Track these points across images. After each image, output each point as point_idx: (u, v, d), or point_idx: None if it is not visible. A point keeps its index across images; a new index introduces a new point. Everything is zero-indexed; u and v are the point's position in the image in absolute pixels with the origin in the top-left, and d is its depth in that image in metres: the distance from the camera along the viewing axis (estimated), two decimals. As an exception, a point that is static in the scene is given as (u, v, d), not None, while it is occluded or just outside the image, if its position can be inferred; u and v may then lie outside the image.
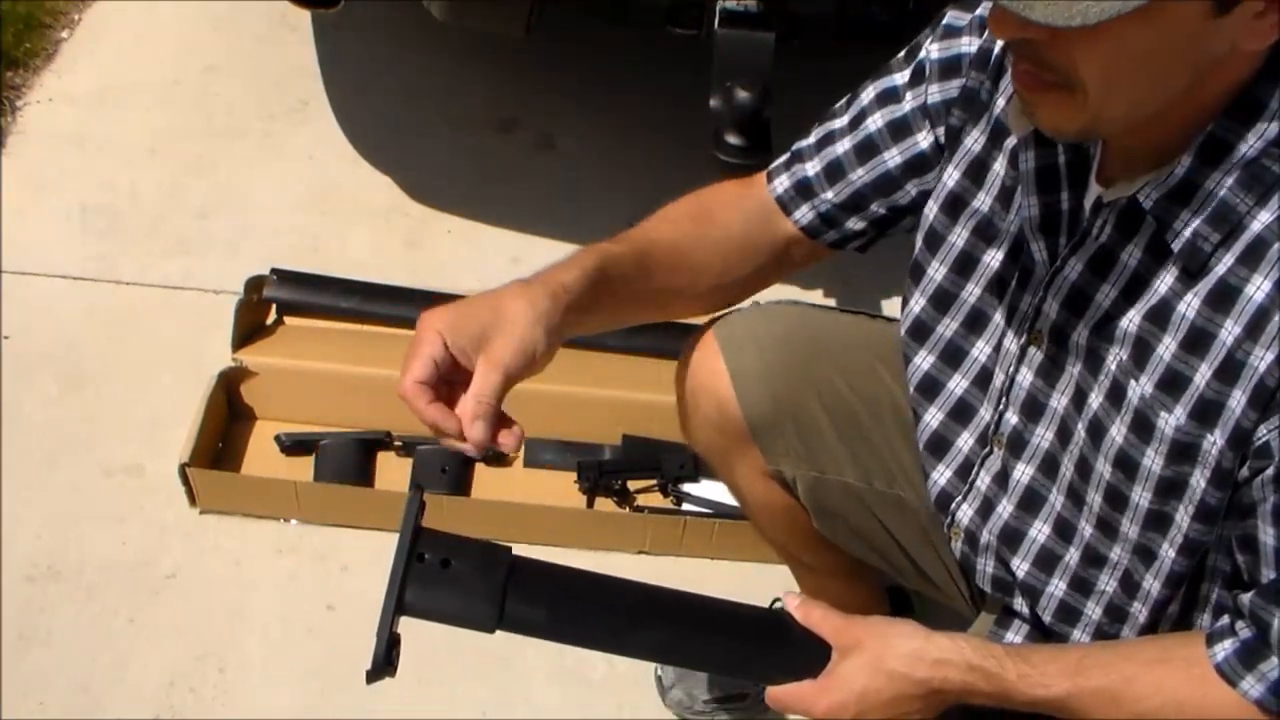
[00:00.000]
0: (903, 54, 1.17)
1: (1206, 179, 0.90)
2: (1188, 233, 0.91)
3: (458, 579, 1.02)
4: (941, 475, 1.18)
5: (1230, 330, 0.90)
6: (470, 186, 2.33)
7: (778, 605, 1.14)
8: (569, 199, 2.33)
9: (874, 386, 1.26)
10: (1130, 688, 0.99)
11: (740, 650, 1.10)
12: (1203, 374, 0.92)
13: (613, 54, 2.53)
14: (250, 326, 1.89)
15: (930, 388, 1.17)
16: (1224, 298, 0.91)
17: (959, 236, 1.12)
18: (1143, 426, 0.97)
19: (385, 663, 1.00)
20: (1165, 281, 0.94)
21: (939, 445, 1.18)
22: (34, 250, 2.12)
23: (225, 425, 1.87)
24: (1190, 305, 0.93)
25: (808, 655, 1.06)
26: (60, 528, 1.76)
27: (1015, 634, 1.18)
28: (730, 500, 1.77)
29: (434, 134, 2.43)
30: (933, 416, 1.17)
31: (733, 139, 1.75)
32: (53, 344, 1.99)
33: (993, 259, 1.10)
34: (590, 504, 1.84)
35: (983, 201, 1.10)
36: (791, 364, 1.24)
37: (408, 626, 1.78)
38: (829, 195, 1.19)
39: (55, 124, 2.37)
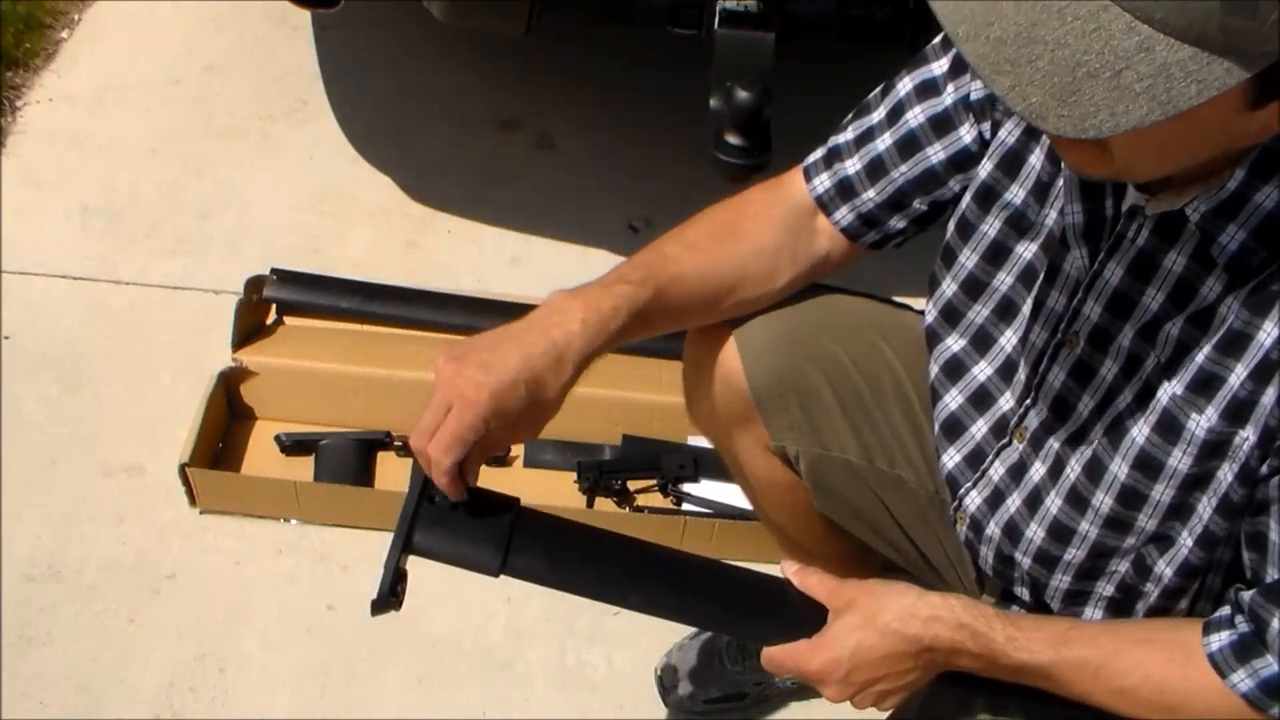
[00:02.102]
0: (938, 40, 1.14)
1: (1257, 192, 0.89)
2: (1234, 246, 0.91)
3: (465, 523, 1.04)
4: (951, 459, 1.18)
5: (1269, 332, 0.90)
6: (470, 186, 2.33)
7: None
8: (569, 199, 2.33)
9: (877, 365, 1.26)
10: (1113, 662, 1.00)
11: (737, 610, 1.12)
12: (1238, 374, 0.92)
13: (613, 54, 2.53)
14: (250, 326, 1.89)
15: (955, 369, 1.17)
16: (1265, 302, 0.90)
17: (991, 226, 1.12)
18: (1169, 428, 0.96)
19: (390, 595, 1.02)
20: (1211, 288, 0.94)
21: (954, 428, 1.17)
22: (34, 250, 2.12)
23: (225, 425, 1.87)
24: (1231, 309, 0.92)
25: (804, 617, 1.07)
26: (60, 528, 1.76)
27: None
28: (730, 500, 1.78)
29: (434, 134, 2.43)
30: (952, 399, 1.17)
31: (733, 139, 1.75)
32: (53, 344, 1.99)
33: (1026, 250, 1.10)
34: (590, 504, 1.84)
35: (1015, 194, 1.09)
36: (797, 339, 1.23)
37: (411, 627, 1.78)
38: (870, 194, 1.18)
39: (55, 124, 2.37)
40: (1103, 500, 1.02)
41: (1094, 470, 1.03)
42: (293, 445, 1.85)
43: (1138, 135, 0.78)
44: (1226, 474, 0.95)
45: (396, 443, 1.86)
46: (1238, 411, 0.92)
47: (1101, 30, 0.74)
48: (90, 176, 2.28)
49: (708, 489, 1.85)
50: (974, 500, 1.16)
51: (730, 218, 1.21)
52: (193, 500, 1.79)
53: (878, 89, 1.19)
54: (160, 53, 2.53)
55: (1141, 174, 0.90)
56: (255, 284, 1.92)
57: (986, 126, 1.11)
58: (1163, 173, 0.90)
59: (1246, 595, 0.96)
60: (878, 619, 1.04)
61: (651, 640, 1.66)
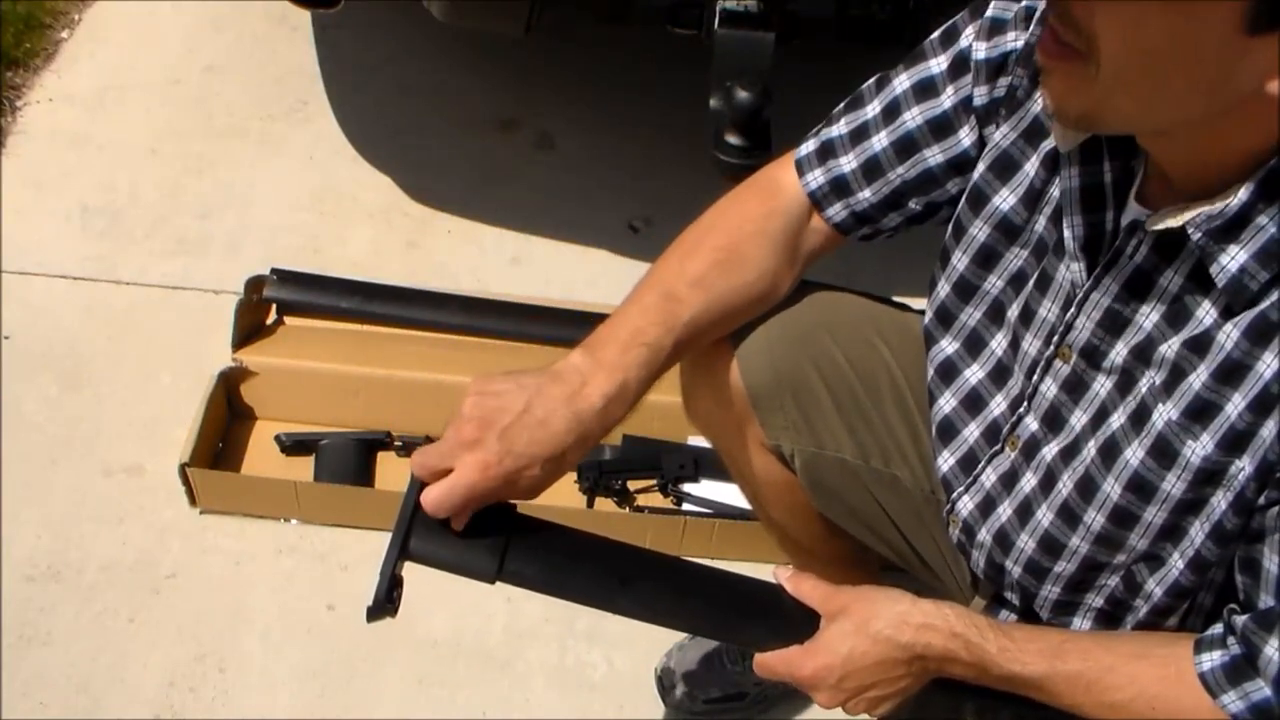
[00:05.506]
0: (937, 36, 1.13)
1: (1261, 214, 0.88)
2: (1234, 268, 0.89)
3: (461, 529, 1.04)
4: (946, 462, 1.18)
5: (1269, 364, 0.89)
6: (470, 186, 2.33)
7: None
8: (569, 199, 2.33)
9: (874, 364, 1.25)
10: (1106, 677, 0.99)
11: (731, 615, 1.12)
12: (1235, 404, 0.91)
13: (613, 54, 2.53)
14: (250, 326, 1.89)
15: (949, 372, 1.16)
16: (1265, 333, 0.89)
17: (980, 230, 1.11)
18: (1163, 453, 0.95)
19: (386, 601, 1.02)
20: (1208, 310, 0.92)
21: (947, 431, 1.17)
22: (34, 250, 2.12)
23: (225, 425, 1.87)
24: (1229, 336, 0.91)
25: (797, 623, 1.07)
26: (60, 528, 1.76)
27: (1009, 618, 1.18)
28: (730, 500, 1.78)
29: (434, 134, 2.43)
30: (946, 402, 1.17)
31: (733, 139, 1.75)
32: (53, 344, 1.99)
33: (1017, 256, 1.09)
34: (590, 504, 1.84)
35: (1005, 199, 1.08)
36: (794, 338, 1.23)
37: (411, 627, 1.78)
38: (866, 194, 1.16)
39: (55, 124, 2.37)
40: (1094, 518, 1.02)
41: (1086, 488, 1.02)
42: (293, 445, 1.85)
43: (1132, 32, 0.78)
44: (1220, 501, 0.94)
45: (397, 443, 1.86)
46: (1235, 442, 0.92)
47: None
48: (90, 176, 2.28)
49: (708, 489, 1.85)
50: (966, 505, 1.16)
51: (730, 241, 1.18)
52: (193, 500, 1.79)
53: (871, 81, 1.17)
54: (160, 53, 2.53)
55: (1121, 101, 0.85)
56: (255, 284, 1.91)
57: (990, 129, 1.10)
58: (1142, 110, 0.86)
59: (1239, 620, 0.95)
60: (870, 625, 1.04)
61: (651, 641, 1.66)
